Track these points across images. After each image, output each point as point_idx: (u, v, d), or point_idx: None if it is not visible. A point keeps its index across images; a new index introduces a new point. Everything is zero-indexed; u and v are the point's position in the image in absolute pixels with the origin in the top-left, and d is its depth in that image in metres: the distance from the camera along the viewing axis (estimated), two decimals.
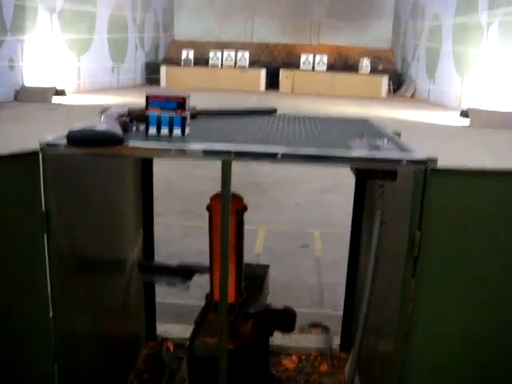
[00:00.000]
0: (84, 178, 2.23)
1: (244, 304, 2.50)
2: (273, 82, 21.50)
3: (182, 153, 1.83)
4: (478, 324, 1.94)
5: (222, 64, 22.03)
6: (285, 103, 15.94)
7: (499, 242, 1.84)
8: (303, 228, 5.71)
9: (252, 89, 20.80)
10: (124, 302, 2.99)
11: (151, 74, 22.37)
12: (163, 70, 21.64)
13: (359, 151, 1.85)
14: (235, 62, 22.01)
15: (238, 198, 2.33)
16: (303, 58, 22.03)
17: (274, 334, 2.82)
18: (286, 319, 2.74)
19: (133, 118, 2.15)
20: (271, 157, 1.83)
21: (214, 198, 2.30)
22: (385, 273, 2.37)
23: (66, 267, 2.09)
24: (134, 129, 2.10)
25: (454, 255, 1.83)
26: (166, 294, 3.45)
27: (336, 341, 3.38)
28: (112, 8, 19.06)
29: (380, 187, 2.25)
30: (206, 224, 2.34)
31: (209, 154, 1.84)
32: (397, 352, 2.02)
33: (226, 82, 21.26)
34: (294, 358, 3.27)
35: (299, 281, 4.44)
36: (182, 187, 7.21)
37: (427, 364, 2.01)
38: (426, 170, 1.73)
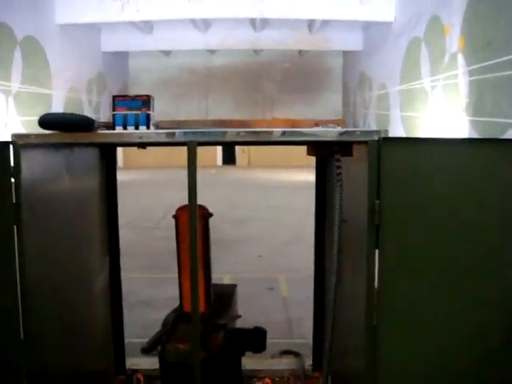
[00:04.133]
0: (54, 183, 2.26)
1: (214, 314, 2.50)
2: (230, 157, 21.84)
3: (148, 137, 1.90)
4: (445, 295, 1.99)
5: None
6: (241, 175, 16.19)
7: (455, 207, 1.93)
8: (268, 274, 5.74)
9: (209, 164, 21.08)
10: (92, 336, 2.95)
11: None
12: (119, 149, 21.76)
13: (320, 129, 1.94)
14: None
15: (203, 207, 2.39)
16: None
17: (247, 360, 2.81)
18: (256, 337, 2.73)
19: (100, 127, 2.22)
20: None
21: (181, 208, 2.35)
22: (349, 271, 2.42)
23: (34, 269, 2.08)
24: (100, 130, 2.16)
25: (413, 222, 1.90)
26: (133, 335, 3.41)
27: (309, 362, 3.38)
28: (67, 90, 19.32)
29: (337, 166, 2.33)
30: (170, 275, 2.39)
31: (172, 136, 1.90)
32: (366, 344, 2.04)
33: (183, 159, 21.36)
34: (268, 380, 3.23)
35: (268, 318, 4.43)
36: (144, 247, 7.20)
37: (397, 358, 2.04)
38: (379, 140, 1.82)
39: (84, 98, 21.02)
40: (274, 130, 1.90)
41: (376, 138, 1.84)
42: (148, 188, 12.49)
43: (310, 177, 14.10)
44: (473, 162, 1.84)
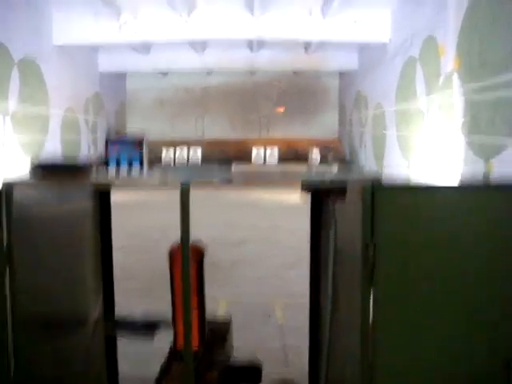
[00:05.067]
0: (46, 222, 2.25)
1: (209, 353, 2.49)
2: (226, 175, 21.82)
3: (142, 182, 1.91)
4: (435, 323, 1.99)
5: (174, 161, 22.35)
6: (238, 194, 16.20)
7: (447, 250, 1.94)
8: (266, 299, 5.71)
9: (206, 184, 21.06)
10: (86, 372, 2.92)
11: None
12: None
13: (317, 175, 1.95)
14: (188, 159, 22.36)
15: (195, 247, 2.38)
16: (254, 151, 22.54)
17: None
18: (251, 371, 2.72)
19: None
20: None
21: (174, 247, 2.34)
22: (344, 302, 2.41)
23: (26, 313, 2.07)
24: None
25: (406, 262, 1.91)
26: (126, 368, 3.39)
27: None
28: (64, 110, 19.37)
29: (332, 206, 2.34)
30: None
31: (165, 183, 1.91)
32: (362, 376, 2.05)
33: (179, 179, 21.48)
34: None
35: (263, 345, 4.41)
36: (140, 272, 7.17)
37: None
38: (373, 186, 1.85)
39: (81, 118, 21.09)
40: (270, 170, 1.90)
41: (370, 184, 1.86)
42: (143, 208, 12.48)
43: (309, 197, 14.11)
44: (463, 207, 1.87)
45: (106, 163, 2.03)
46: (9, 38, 15.73)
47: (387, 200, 1.87)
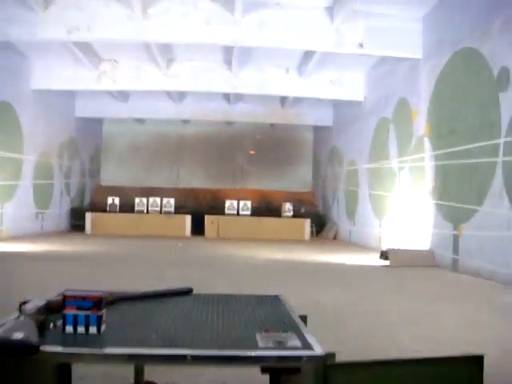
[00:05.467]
0: None
1: None
2: (198, 227, 21.78)
3: (95, 357, 1.92)
4: None
5: (147, 210, 22.28)
6: (212, 251, 16.14)
7: None
8: None
9: (178, 234, 21.02)
10: None
11: (76, 219, 22.35)
12: (88, 216, 21.65)
13: (262, 351, 1.95)
14: (161, 208, 22.32)
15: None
16: (227, 203, 22.58)
17: None
18: None
19: (51, 310, 2.21)
20: (181, 359, 1.90)
21: None
22: None
23: None
24: (52, 325, 2.14)
25: None
26: None
27: None
28: (38, 155, 19.31)
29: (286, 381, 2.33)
30: None
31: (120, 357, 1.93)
32: None
33: (151, 227, 21.46)
34: None
35: None
36: None
37: None
38: (326, 366, 1.88)
39: (55, 163, 21.01)
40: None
41: (320, 363, 1.91)
42: (119, 264, 12.35)
43: (286, 255, 13.93)
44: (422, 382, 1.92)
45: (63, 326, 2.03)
46: None
47: (341, 379, 1.92)
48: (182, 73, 18.24)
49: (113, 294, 2.54)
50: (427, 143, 13.83)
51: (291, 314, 2.49)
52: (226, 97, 22.10)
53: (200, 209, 23.72)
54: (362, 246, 18.11)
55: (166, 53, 17.10)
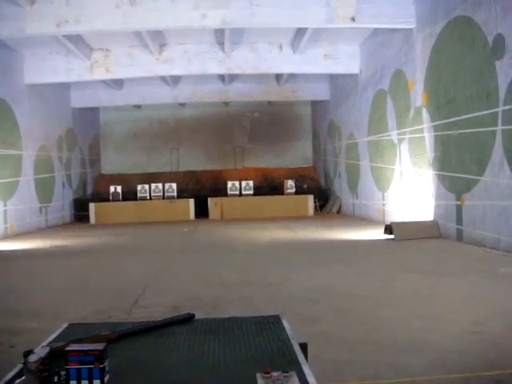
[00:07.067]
0: None
1: None
2: (202, 210, 21.81)
3: None
4: None
5: (150, 196, 22.29)
6: (216, 235, 16.11)
7: None
8: None
9: (182, 218, 21.08)
10: None
11: (80, 210, 22.41)
12: (92, 206, 21.68)
13: None
14: (163, 193, 22.33)
15: None
16: (230, 184, 22.57)
17: None
18: None
19: (55, 357, 2.21)
20: None
21: None
22: None
23: None
24: (56, 378, 2.14)
25: None
26: None
27: None
28: (37, 149, 19.28)
29: None
30: None
31: None
32: None
33: (155, 213, 21.50)
34: None
35: None
36: None
37: None
38: None
39: (54, 156, 20.97)
40: None
41: None
42: (122, 253, 12.38)
43: (291, 234, 13.87)
44: None
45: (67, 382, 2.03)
46: None
47: None
48: (174, 57, 18.08)
49: (115, 332, 2.55)
50: (425, 114, 13.74)
51: (292, 343, 2.47)
52: (221, 77, 21.96)
53: (202, 191, 23.75)
54: (365, 219, 18.12)
55: (157, 38, 16.94)
